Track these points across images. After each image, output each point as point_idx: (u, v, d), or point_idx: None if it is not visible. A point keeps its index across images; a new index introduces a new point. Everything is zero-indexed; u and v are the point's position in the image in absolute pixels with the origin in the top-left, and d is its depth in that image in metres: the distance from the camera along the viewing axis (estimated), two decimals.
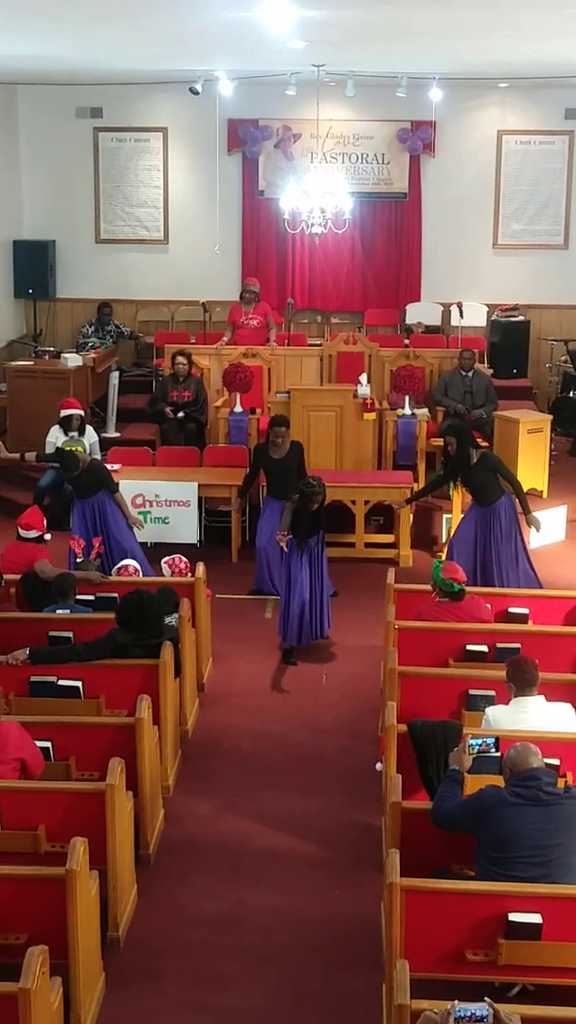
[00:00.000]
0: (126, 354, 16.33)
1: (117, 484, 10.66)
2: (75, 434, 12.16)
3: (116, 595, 8.55)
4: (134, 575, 9.33)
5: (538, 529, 10.24)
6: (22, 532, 9.35)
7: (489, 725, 6.69)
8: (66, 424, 12.24)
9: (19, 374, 13.95)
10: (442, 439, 10.58)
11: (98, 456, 12.00)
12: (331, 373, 13.97)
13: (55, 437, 12.36)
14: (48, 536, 9.29)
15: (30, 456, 11.24)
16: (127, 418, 14.45)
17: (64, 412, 12.20)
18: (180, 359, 13.23)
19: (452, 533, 10.66)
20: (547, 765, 5.83)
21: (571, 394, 15.16)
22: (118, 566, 9.48)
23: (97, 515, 10.43)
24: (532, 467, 12.53)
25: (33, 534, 9.27)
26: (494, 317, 16.12)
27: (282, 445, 10.61)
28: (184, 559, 9.50)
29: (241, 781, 7.85)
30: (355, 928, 6.34)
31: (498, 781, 5.86)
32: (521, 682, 6.69)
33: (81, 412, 12.26)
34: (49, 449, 12.32)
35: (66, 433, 12.25)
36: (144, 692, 7.20)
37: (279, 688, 9.21)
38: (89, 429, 12.43)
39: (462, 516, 10.53)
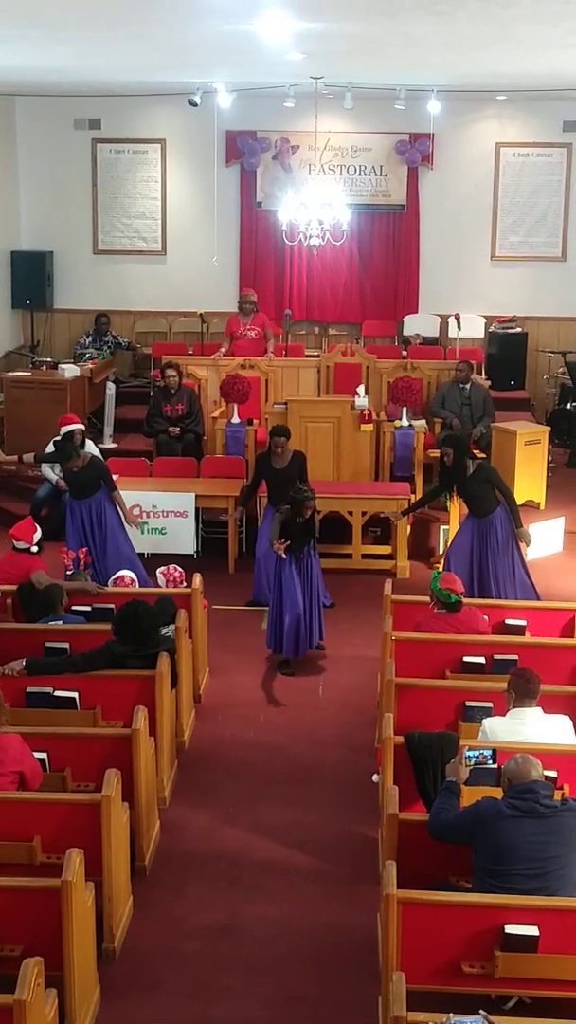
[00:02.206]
0: (123, 365, 16.35)
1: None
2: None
3: (112, 606, 8.53)
4: (130, 586, 9.33)
5: (528, 544, 10.23)
6: (14, 543, 9.35)
7: (486, 737, 6.68)
8: (66, 439, 12.21)
9: (16, 385, 13.96)
10: (439, 450, 10.58)
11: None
12: (329, 384, 13.98)
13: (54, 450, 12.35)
14: (35, 549, 9.24)
15: (28, 457, 11.25)
16: (124, 429, 14.44)
17: (64, 429, 11.92)
18: (170, 372, 13.22)
19: (449, 544, 10.66)
20: (544, 777, 5.82)
21: (568, 406, 15.17)
22: (114, 577, 9.47)
23: (93, 517, 10.45)
24: (530, 479, 12.53)
25: (22, 546, 9.25)
26: (492, 329, 16.14)
27: (283, 455, 10.60)
28: (179, 568, 9.50)
29: (238, 792, 7.84)
30: (352, 940, 6.32)
31: (495, 793, 5.86)
32: (523, 692, 6.67)
33: (82, 427, 12.24)
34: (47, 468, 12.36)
35: None
36: (140, 703, 7.19)
37: (276, 699, 9.20)
38: (90, 444, 12.43)
39: (459, 527, 10.54)
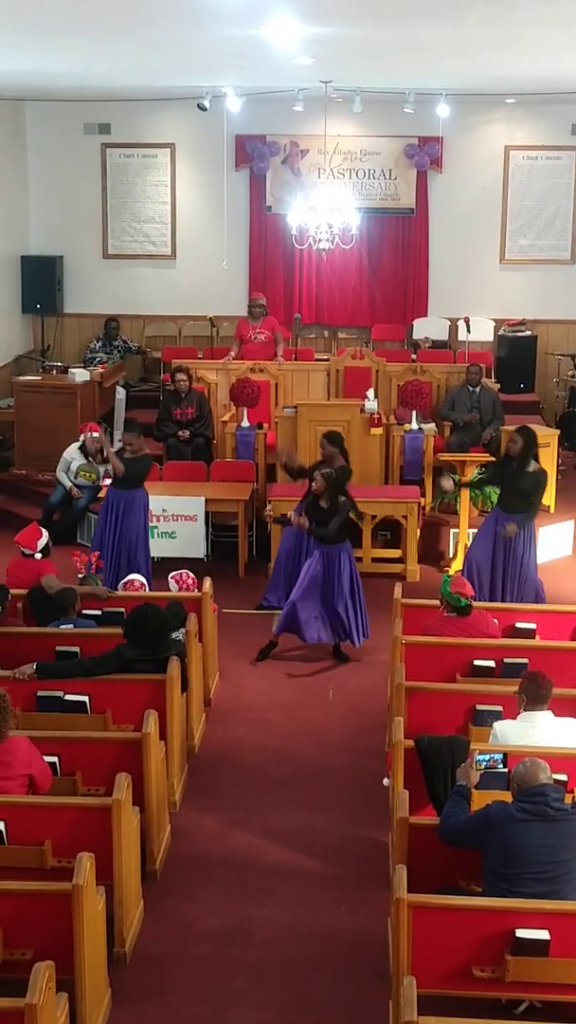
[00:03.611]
0: (133, 369, 16.37)
1: None
2: (93, 460, 12.27)
3: (123, 610, 8.54)
4: (140, 590, 9.33)
5: (510, 536, 10.16)
6: (22, 550, 9.36)
7: (497, 740, 6.67)
8: (85, 446, 12.35)
9: (27, 389, 14.00)
10: (508, 439, 10.42)
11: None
12: (338, 388, 13.99)
13: (72, 456, 12.43)
14: (39, 556, 9.24)
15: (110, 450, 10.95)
16: None
17: (84, 434, 12.44)
18: (180, 376, 13.24)
19: (471, 542, 10.66)
20: (555, 781, 5.81)
21: None
22: (124, 580, 9.48)
23: (124, 508, 10.53)
24: None
25: (27, 552, 9.25)
26: (501, 332, 16.14)
27: (332, 463, 10.34)
28: (192, 575, 9.50)
29: (248, 796, 7.84)
30: (362, 944, 6.32)
31: (505, 797, 5.85)
32: (535, 697, 6.67)
33: (101, 435, 12.30)
34: (62, 467, 12.42)
35: (85, 456, 12.33)
36: (151, 707, 7.19)
37: (286, 703, 9.20)
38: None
39: (483, 524, 10.47)
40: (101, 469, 12.28)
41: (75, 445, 12.48)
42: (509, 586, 10.05)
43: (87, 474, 12.36)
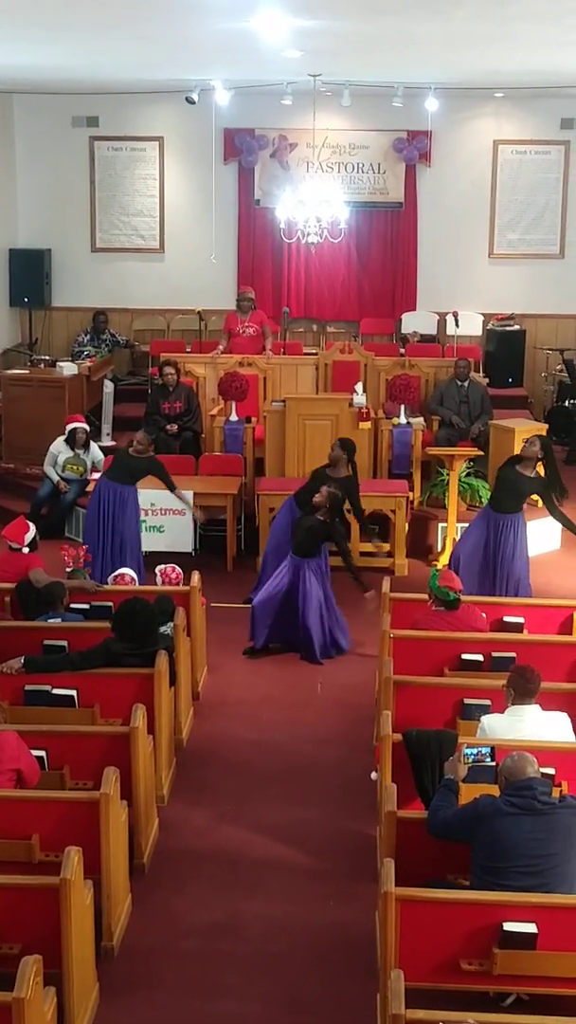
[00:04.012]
0: (122, 363, 16.34)
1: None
2: (80, 451, 12.23)
3: (111, 604, 8.53)
4: (129, 584, 9.33)
5: None
6: (9, 544, 9.35)
7: (485, 734, 6.68)
8: (71, 438, 12.30)
9: (15, 383, 13.97)
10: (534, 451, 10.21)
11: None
12: (327, 382, 13.98)
13: (59, 450, 12.40)
14: (26, 549, 9.23)
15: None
16: (122, 427, 14.43)
17: (69, 426, 12.36)
18: (168, 369, 13.23)
19: (458, 540, 10.66)
20: (542, 774, 5.82)
21: (567, 403, 15.18)
22: (114, 574, 9.47)
23: (117, 502, 10.54)
24: None
25: (13, 546, 9.25)
26: (490, 326, 16.14)
27: (337, 469, 10.40)
28: (177, 569, 9.49)
29: (236, 790, 7.84)
30: (350, 937, 6.32)
31: (493, 790, 5.86)
32: (522, 691, 6.68)
33: (86, 426, 12.26)
34: (49, 461, 12.40)
35: (71, 448, 12.30)
36: (139, 701, 7.18)
37: (274, 697, 9.20)
38: (94, 447, 12.48)
39: (473, 521, 10.45)
40: (88, 462, 12.28)
41: (61, 438, 12.46)
42: (499, 588, 10.02)
43: (74, 467, 12.33)
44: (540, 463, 10.16)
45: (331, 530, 9.77)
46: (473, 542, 10.14)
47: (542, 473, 10.22)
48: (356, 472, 10.59)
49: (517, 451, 12.28)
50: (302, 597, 9.67)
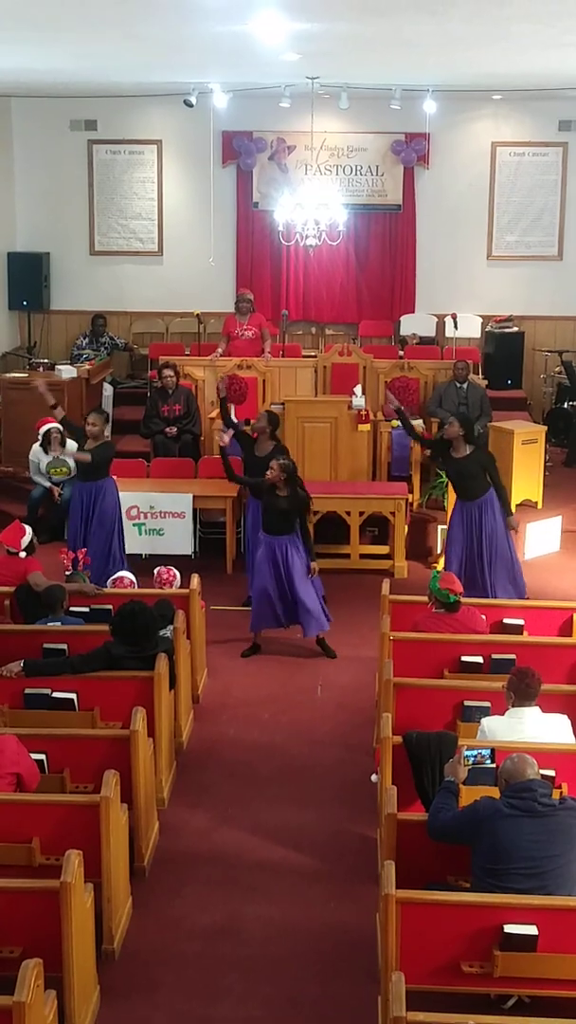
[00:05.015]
0: (120, 366, 16.35)
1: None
2: (57, 453, 12.16)
3: (110, 607, 8.53)
4: (129, 587, 9.32)
5: (515, 530, 10.24)
6: (7, 548, 9.34)
7: (485, 736, 6.68)
8: (45, 442, 12.24)
9: (13, 386, 13.96)
10: (447, 425, 10.41)
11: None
12: (326, 384, 13.99)
13: (37, 456, 12.36)
14: (23, 554, 9.23)
15: (58, 413, 11.02)
16: (122, 430, 14.44)
17: (42, 429, 12.28)
18: (167, 372, 13.23)
19: (445, 540, 10.68)
20: (542, 776, 5.82)
21: (565, 405, 15.17)
22: (113, 577, 9.47)
23: (94, 498, 10.56)
24: (527, 478, 12.53)
25: (12, 550, 9.23)
26: (488, 328, 16.15)
27: (262, 441, 10.56)
28: (172, 570, 9.48)
29: (236, 793, 7.84)
30: (351, 940, 6.32)
31: (493, 792, 5.86)
32: (522, 694, 6.67)
33: (58, 426, 12.15)
34: (33, 470, 12.38)
35: (47, 451, 12.24)
36: (139, 704, 7.18)
37: (274, 699, 9.20)
38: (70, 442, 12.41)
39: (451, 518, 10.52)
40: (70, 461, 12.15)
41: (36, 444, 12.40)
42: (491, 577, 10.04)
43: (58, 469, 12.28)
44: (462, 439, 10.20)
45: (299, 503, 9.78)
46: (458, 537, 10.15)
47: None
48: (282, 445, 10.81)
49: (516, 453, 12.36)
50: (288, 572, 9.68)
